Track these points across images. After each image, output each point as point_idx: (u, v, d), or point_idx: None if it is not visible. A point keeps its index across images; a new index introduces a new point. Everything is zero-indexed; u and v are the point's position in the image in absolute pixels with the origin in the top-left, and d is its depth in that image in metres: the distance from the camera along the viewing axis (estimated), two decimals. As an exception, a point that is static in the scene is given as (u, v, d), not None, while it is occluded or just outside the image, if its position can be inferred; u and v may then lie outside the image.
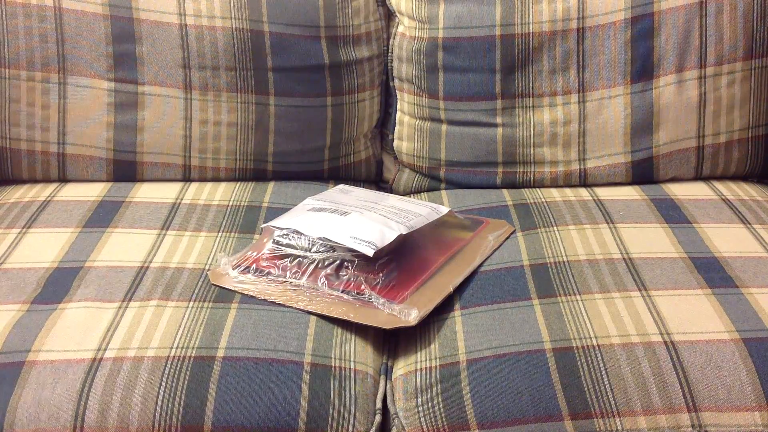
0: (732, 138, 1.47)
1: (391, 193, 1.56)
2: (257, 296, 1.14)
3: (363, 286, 1.14)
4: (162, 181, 1.48)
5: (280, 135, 1.49)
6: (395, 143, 1.56)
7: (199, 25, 1.44)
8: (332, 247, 1.17)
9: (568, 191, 1.45)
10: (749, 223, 1.30)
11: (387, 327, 1.09)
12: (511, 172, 1.49)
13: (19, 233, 1.28)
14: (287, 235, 1.20)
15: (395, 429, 1.02)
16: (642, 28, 1.43)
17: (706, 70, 1.44)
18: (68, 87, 1.44)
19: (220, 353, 1.03)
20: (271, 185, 1.48)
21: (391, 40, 1.54)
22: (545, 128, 1.46)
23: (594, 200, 1.40)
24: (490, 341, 1.06)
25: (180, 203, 1.39)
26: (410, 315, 1.10)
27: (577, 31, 1.44)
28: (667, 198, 1.40)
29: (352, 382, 1.04)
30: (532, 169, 1.48)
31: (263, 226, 1.26)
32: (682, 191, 1.42)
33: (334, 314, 1.11)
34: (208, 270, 1.20)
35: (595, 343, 1.04)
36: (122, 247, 1.24)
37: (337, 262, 1.16)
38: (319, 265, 1.16)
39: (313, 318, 1.11)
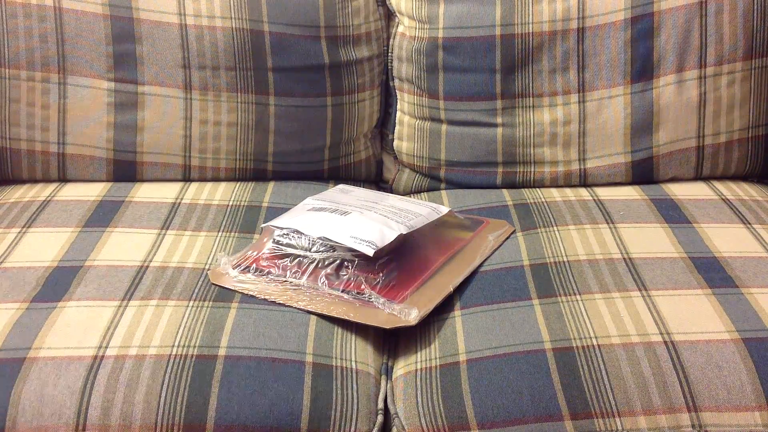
0: (732, 138, 1.47)
1: (391, 193, 1.56)
2: (257, 296, 1.14)
3: (363, 286, 1.14)
4: (162, 181, 1.48)
5: (280, 135, 1.49)
6: (395, 143, 1.56)
7: (199, 25, 1.44)
8: (332, 247, 1.17)
9: (568, 191, 1.45)
10: (749, 223, 1.31)
11: (387, 327, 1.09)
12: (511, 172, 1.49)
13: (19, 233, 1.28)
14: (287, 234, 1.20)
15: (395, 429, 1.02)
16: (642, 28, 1.43)
17: (706, 70, 1.44)
18: (68, 87, 1.44)
19: (222, 352, 1.03)
20: (271, 185, 1.48)
21: (391, 40, 1.54)
22: (545, 128, 1.46)
23: (594, 200, 1.40)
24: (490, 341, 1.06)
25: (180, 203, 1.39)
26: (410, 315, 1.10)
27: (577, 31, 1.44)
28: (667, 198, 1.40)
29: (354, 382, 1.04)
30: (532, 169, 1.48)
31: (263, 225, 1.26)
32: (682, 191, 1.42)
33: (334, 314, 1.11)
34: (208, 269, 1.20)
35: (595, 343, 1.04)
36: (122, 247, 1.24)
37: (338, 261, 1.16)
38: (319, 265, 1.16)
39: (313, 318, 1.11)
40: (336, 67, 1.49)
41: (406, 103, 1.53)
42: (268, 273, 1.18)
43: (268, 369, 1.01)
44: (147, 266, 1.19)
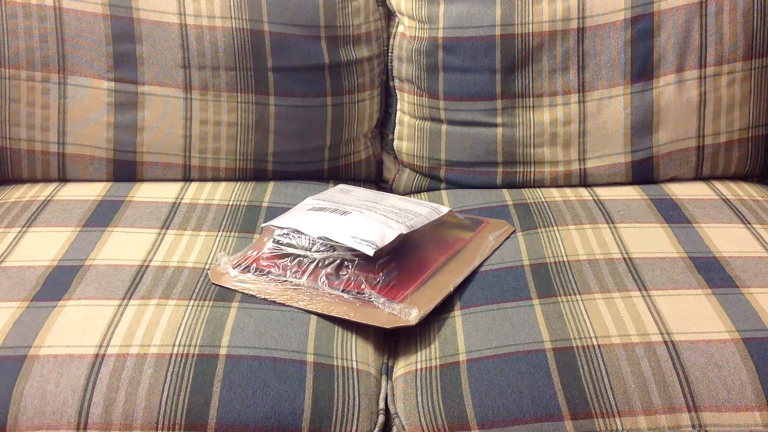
0: (732, 138, 1.47)
1: (391, 192, 1.56)
2: (257, 295, 1.14)
3: (363, 286, 1.14)
4: (162, 180, 1.48)
5: (280, 135, 1.49)
6: (395, 143, 1.56)
7: (199, 25, 1.44)
8: (332, 247, 1.17)
9: (568, 191, 1.45)
10: (749, 223, 1.31)
11: (387, 326, 1.09)
12: (511, 172, 1.49)
13: (19, 232, 1.28)
14: (287, 234, 1.20)
15: (395, 429, 1.02)
16: (642, 28, 1.43)
17: (706, 70, 1.44)
18: (68, 87, 1.44)
19: (223, 351, 1.03)
20: (271, 185, 1.48)
21: (391, 40, 1.54)
22: (545, 128, 1.46)
23: (594, 200, 1.40)
24: (490, 341, 1.06)
25: (180, 203, 1.39)
26: (410, 314, 1.10)
27: (577, 31, 1.44)
28: (667, 198, 1.40)
29: (356, 382, 1.04)
30: (532, 169, 1.48)
31: (263, 225, 1.26)
32: (682, 191, 1.42)
33: (334, 313, 1.11)
34: (208, 269, 1.20)
35: (595, 342, 1.04)
36: (122, 246, 1.24)
37: (338, 261, 1.16)
38: (320, 265, 1.16)
39: (313, 317, 1.11)
40: (336, 67, 1.49)
41: (406, 103, 1.53)
42: (269, 273, 1.18)
43: (269, 368, 1.01)
44: (147, 266, 1.19)
